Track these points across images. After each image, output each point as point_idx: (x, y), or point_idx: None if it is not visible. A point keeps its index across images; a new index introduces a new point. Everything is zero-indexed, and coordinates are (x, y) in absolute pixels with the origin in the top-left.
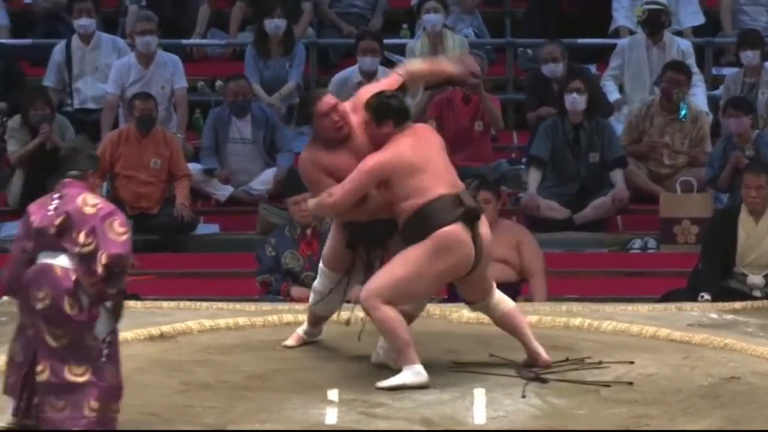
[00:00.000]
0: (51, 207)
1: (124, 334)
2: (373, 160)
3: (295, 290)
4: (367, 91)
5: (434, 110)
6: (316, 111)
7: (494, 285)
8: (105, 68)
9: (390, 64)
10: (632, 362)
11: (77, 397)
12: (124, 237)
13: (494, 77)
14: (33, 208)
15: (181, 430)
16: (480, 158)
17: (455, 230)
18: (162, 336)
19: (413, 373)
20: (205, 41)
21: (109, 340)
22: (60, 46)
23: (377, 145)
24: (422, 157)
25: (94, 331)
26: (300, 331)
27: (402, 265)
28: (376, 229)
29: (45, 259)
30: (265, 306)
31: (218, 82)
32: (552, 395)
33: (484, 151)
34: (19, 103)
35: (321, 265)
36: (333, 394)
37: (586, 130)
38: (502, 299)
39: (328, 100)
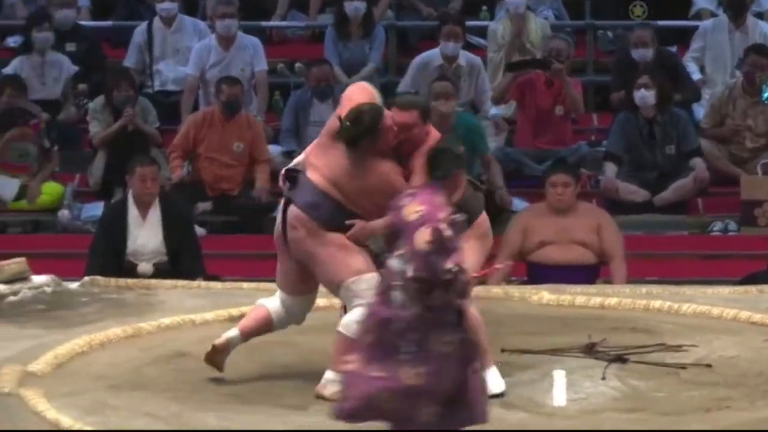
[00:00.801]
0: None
1: (204, 315)
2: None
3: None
4: (355, 92)
5: (516, 92)
6: (383, 125)
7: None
8: (186, 51)
9: (471, 48)
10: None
11: None
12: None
13: (574, 59)
14: None
15: (181, 430)
16: (560, 141)
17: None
18: (242, 317)
19: (491, 377)
20: (284, 23)
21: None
22: (141, 27)
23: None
24: None
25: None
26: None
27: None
28: None
29: None
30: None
31: (298, 64)
32: (632, 377)
33: (564, 135)
34: (103, 84)
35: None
36: None
37: (660, 123)
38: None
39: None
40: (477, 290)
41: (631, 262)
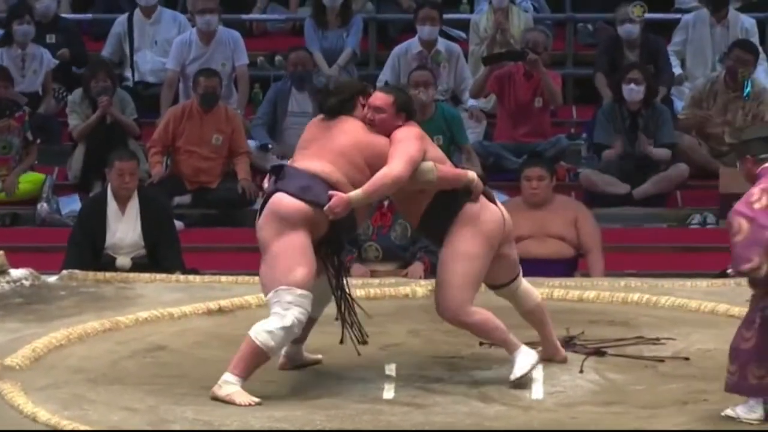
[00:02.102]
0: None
1: (182, 309)
2: (412, 128)
3: (356, 268)
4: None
5: (495, 85)
6: (359, 99)
7: (521, 272)
8: (165, 43)
9: (450, 38)
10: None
11: None
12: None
13: (554, 52)
14: None
15: (180, 430)
16: (539, 133)
17: (488, 203)
18: (220, 310)
19: (526, 354)
20: (265, 16)
21: None
22: (121, 18)
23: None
24: None
25: None
26: (283, 352)
27: (468, 259)
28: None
29: None
30: None
31: (278, 57)
32: (610, 371)
33: (543, 127)
34: (81, 76)
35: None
36: (391, 368)
37: (643, 116)
38: (530, 289)
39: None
40: None
41: (609, 255)
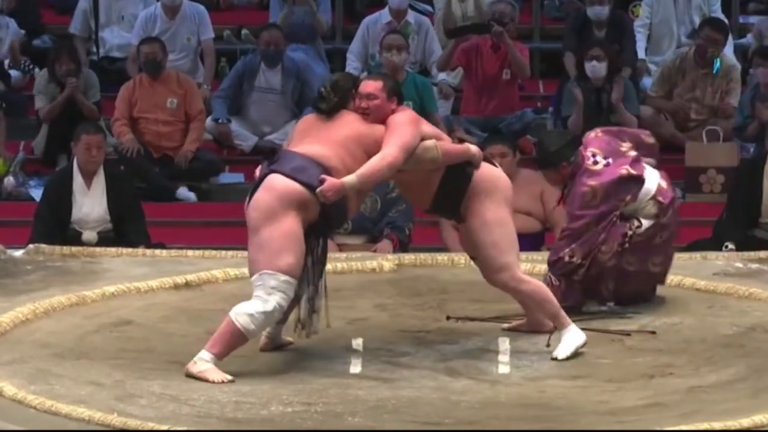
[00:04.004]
0: None
1: (149, 283)
2: (406, 113)
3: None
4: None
5: (462, 58)
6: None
7: None
8: (131, 17)
9: (418, 11)
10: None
11: None
12: None
13: (521, 26)
14: None
15: (189, 430)
16: (506, 107)
17: (495, 169)
18: (187, 285)
19: (576, 334)
20: None
21: None
22: None
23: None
24: None
25: None
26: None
27: (500, 226)
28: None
29: None
30: None
31: (244, 31)
32: None
33: (510, 100)
34: (46, 58)
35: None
36: (357, 343)
37: (606, 91)
38: None
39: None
40: (423, 257)
41: None
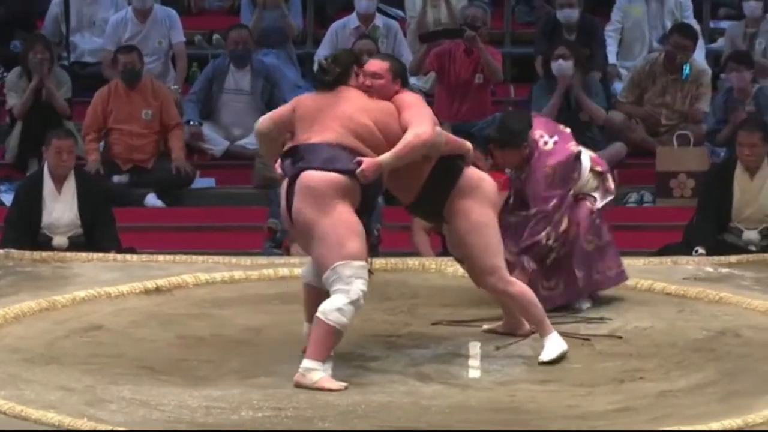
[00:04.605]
0: None
1: (119, 288)
2: (417, 95)
3: (295, 248)
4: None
5: (435, 61)
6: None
7: None
8: (102, 23)
9: (389, 16)
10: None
11: None
12: None
13: (492, 31)
14: None
15: (187, 430)
16: (479, 111)
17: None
18: (158, 290)
19: (559, 341)
20: None
21: None
22: (56, 1)
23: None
24: None
25: None
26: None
27: (487, 227)
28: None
29: None
30: (261, 260)
31: (216, 36)
32: None
33: (483, 105)
34: (18, 53)
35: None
36: None
37: (574, 91)
38: None
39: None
40: (393, 262)
41: None
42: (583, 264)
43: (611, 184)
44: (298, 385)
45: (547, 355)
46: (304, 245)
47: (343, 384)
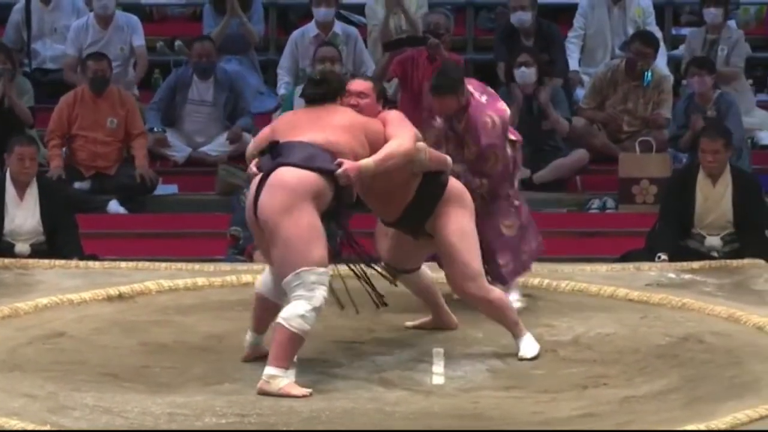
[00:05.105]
0: None
1: (82, 295)
2: (396, 112)
3: (258, 255)
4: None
5: (398, 69)
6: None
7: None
8: (64, 29)
9: (348, 21)
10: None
11: None
12: None
13: (454, 38)
14: None
15: (189, 430)
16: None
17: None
18: (120, 296)
19: (532, 341)
20: (164, 1)
21: None
22: (19, 5)
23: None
24: None
25: None
26: (247, 342)
27: (472, 236)
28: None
29: None
30: (224, 266)
31: (178, 42)
32: (510, 355)
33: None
34: None
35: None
36: None
37: (537, 98)
38: (425, 270)
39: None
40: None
41: None
42: (508, 250)
43: (520, 159)
44: (263, 393)
45: (528, 352)
46: (261, 242)
47: (308, 390)
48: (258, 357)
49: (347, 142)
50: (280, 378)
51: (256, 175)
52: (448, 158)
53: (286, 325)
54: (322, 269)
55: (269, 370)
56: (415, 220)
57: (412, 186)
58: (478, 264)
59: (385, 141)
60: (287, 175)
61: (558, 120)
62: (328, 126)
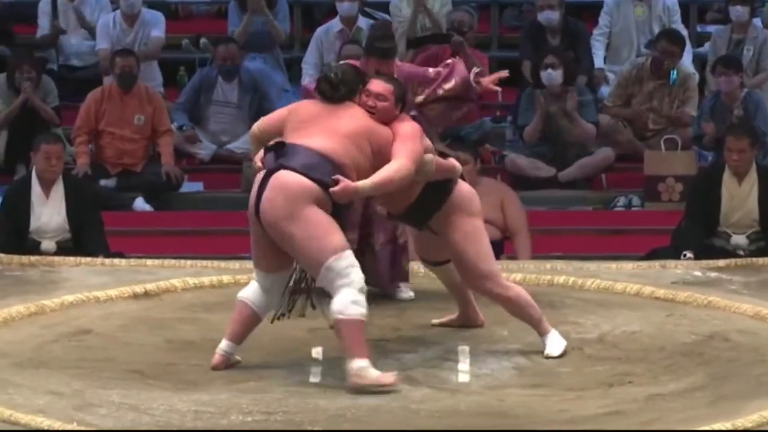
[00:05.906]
0: None
1: (108, 292)
2: (414, 125)
3: None
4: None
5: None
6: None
7: None
8: (89, 25)
9: (373, 18)
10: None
11: None
12: None
13: (479, 35)
14: None
15: (190, 430)
16: (466, 116)
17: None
18: (146, 294)
19: (559, 337)
20: None
21: None
22: (45, 1)
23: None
24: None
25: None
26: (220, 348)
27: (481, 236)
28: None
29: None
30: (249, 264)
31: (203, 40)
32: (536, 353)
33: (470, 109)
34: (6, 63)
35: (258, 272)
36: (317, 351)
37: (564, 99)
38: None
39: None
40: None
41: (535, 238)
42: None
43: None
44: (358, 388)
45: (554, 350)
46: (258, 239)
47: (396, 375)
48: (228, 366)
49: (349, 152)
50: (369, 368)
51: (260, 169)
52: (457, 165)
53: (346, 317)
54: (347, 252)
55: (355, 363)
56: (415, 220)
57: (415, 190)
58: (487, 264)
59: (391, 156)
60: (289, 178)
61: (585, 129)
62: (335, 132)
